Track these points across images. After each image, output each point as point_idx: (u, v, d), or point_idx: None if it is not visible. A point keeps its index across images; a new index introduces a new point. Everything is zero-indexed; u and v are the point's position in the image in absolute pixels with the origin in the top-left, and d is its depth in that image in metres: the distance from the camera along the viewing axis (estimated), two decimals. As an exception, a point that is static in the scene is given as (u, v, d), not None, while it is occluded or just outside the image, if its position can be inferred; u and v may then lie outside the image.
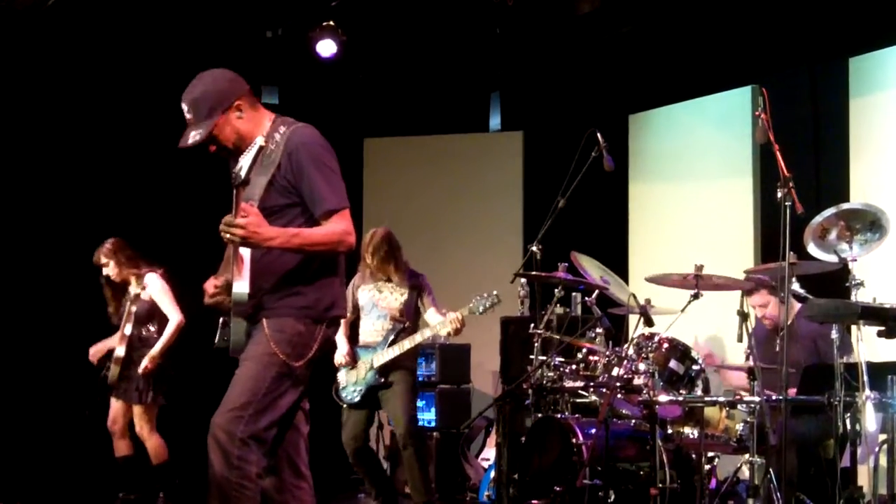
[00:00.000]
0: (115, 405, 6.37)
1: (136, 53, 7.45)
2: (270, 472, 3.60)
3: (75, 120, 7.66)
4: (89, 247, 6.75)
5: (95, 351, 6.46)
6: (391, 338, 6.03)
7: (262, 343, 3.52)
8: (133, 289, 6.41)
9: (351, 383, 6.11)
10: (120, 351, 6.29)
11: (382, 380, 6.04)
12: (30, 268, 7.45)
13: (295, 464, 3.67)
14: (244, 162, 3.41)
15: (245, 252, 3.51)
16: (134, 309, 6.36)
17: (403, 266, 6.16)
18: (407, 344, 5.98)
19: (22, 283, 7.41)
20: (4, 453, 7.00)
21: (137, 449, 6.40)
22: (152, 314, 6.37)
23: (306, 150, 3.54)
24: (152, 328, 6.38)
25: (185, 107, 3.59)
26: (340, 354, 6.12)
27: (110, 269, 6.40)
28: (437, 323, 5.97)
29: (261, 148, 3.46)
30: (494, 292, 5.84)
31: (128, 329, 6.31)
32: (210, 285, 3.66)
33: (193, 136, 3.55)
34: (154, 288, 6.36)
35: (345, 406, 6.15)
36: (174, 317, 6.30)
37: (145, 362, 6.22)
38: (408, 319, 6.10)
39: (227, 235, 3.37)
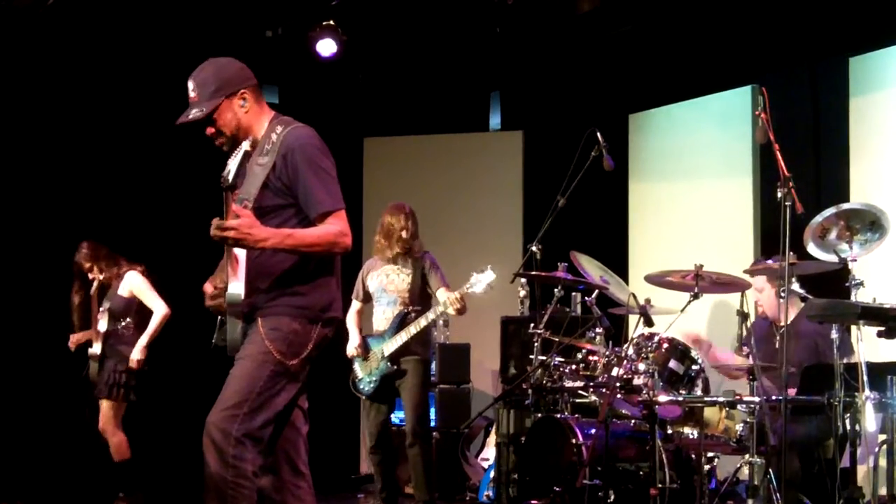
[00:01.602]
0: (104, 407, 6.36)
1: (135, 53, 7.45)
2: (269, 471, 3.60)
3: (75, 119, 7.65)
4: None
5: (76, 339, 6.48)
6: (397, 324, 6.02)
7: (257, 342, 3.52)
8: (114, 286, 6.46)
9: (366, 375, 6.11)
10: (96, 348, 6.35)
11: (395, 367, 6.02)
12: (29, 267, 7.44)
13: (294, 463, 3.66)
14: (231, 166, 3.41)
15: (241, 253, 3.51)
16: (108, 305, 6.37)
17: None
18: (413, 329, 5.96)
19: (21, 283, 7.41)
20: (5, 453, 6.99)
21: (133, 448, 6.38)
22: (128, 310, 6.41)
23: (301, 152, 3.52)
24: (127, 324, 6.40)
25: (191, 84, 3.60)
26: (352, 346, 6.14)
27: (96, 273, 6.43)
28: (442, 303, 5.94)
29: (246, 153, 3.46)
30: (488, 267, 5.78)
31: (102, 325, 6.35)
32: (209, 287, 3.66)
33: (195, 113, 3.56)
34: (137, 284, 6.41)
35: (364, 398, 6.15)
36: (161, 308, 6.34)
37: (136, 355, 6.24)
38: (415, 301, 6.08)
39: (219, 237, 3.36)
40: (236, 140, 3.60)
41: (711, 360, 5.64)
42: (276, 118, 3.67)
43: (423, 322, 5.96)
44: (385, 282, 6.14)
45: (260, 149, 3.57)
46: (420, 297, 6.11)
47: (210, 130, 3.61)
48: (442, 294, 6.01)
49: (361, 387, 6.13)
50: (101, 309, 6.38)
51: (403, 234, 6.08)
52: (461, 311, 5.89)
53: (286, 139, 3.55)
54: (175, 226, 7.68)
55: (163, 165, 7.86)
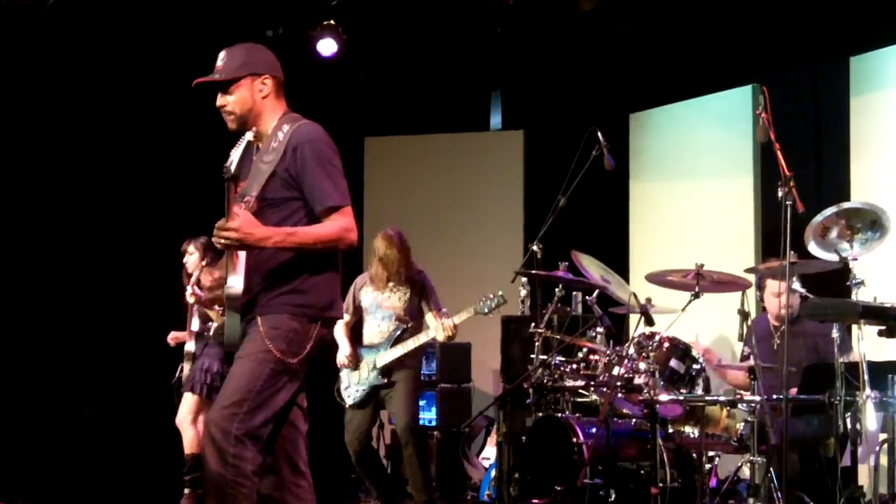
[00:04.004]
0: (186, 400, 6.41)
1: (136, 53, 7.45)
2: (269, 470, 3.59)
3: (74, 119, 7.65)
4: (88, 246, 6.73)
5: (173, 337, 6.53)
6: (394, 337, 6.02)
7: (256, 341, 3.50)
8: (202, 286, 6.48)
9: (354, 383, 6.10)
10: (190, 346, 6.38)
11: (385, 380, 6.03)
12: (31, 267, 7.45)
13: (294, 462, 3.66)
14: (234, 156, 3.41)
15: None
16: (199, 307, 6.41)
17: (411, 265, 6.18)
18: (410, 344, 5.98)
19: (24, 283, 7.41)
20: (5, 452, 7.00)
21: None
22: None
23: (311, 147, 3.53)
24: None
25: (221, 55, 3.64)
26: (343, 355, 6.12)
27: (191, 260, 6.45)
28: (433, 327, 5.97)
29: (250, 143, 3.47)
30: (500, 293, 5.86)
31: (194, 325, 6.39)
32: (207, 279, 3.67)
33: (214, 75, 3.59)
34: None
35: (347, 406, 6.14)
36: None
37: None
38: (411, 319, 6.10)
39: (222, 241, 3.38)
40: (244, 122, 3.61)
41: (720, 375, 5.67)
42: (285, 115, 3.67)
43: (421, 338, 6.00)
44: (381, 298, 6.15)
45: (266, 147, 3.58)
46: (417, 315, 6.14)
47: (222, 101, 3.62)
48: (431, 319, 6.05)
49: (347, 395, 6.11)
50: (194, 309, 6.41)
51: (397, 265, 6.09)
52: (450, 339, 5.97)
53: (295, 133, 3.55)
54: (180, 223, 7.70)
55: (164, 163, 7.86)
